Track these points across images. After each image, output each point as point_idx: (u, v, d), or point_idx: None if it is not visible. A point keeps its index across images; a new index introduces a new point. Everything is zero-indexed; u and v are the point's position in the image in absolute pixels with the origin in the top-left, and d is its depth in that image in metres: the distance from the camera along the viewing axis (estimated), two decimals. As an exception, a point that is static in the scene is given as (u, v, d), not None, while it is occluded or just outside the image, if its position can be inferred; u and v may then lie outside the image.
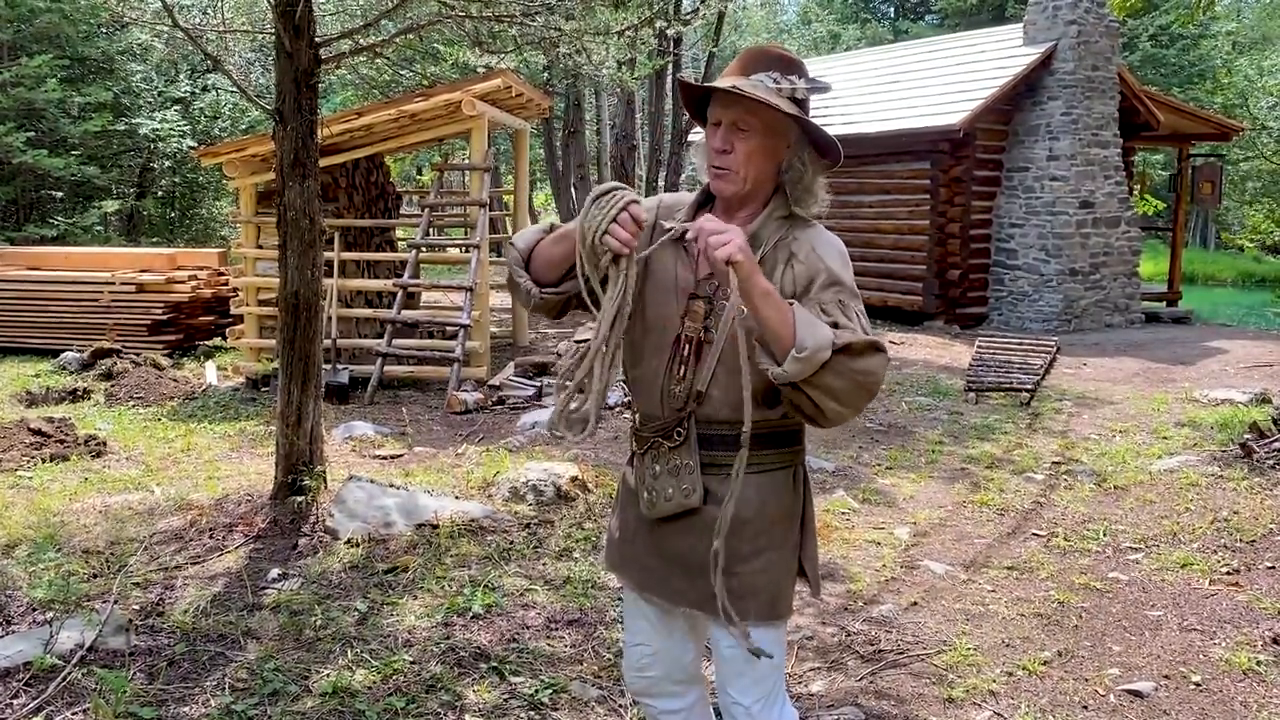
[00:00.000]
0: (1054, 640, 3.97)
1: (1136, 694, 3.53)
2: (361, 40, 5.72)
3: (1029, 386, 8.61)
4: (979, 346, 9.58)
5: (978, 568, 4.79)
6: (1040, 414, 8.23)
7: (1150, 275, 18.97)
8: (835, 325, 1.95)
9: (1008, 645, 3.92)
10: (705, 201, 2.18)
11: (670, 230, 2.07)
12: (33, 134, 14.73)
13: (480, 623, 3.93)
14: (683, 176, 17.48)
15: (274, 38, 4.97)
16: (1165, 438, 7.32)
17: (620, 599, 4.18)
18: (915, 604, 4.32)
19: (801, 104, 2.05)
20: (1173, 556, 4.88)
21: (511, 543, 4.79)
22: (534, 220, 21.18)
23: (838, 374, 1.89)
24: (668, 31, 9.93)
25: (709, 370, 2.05)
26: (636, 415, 2.23)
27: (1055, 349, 9.13)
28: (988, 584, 4.58)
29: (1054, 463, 6.68)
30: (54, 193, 15.84)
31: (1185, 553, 4.91)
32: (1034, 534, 5.27)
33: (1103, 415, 8.19)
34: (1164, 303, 16.32)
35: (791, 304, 1.93)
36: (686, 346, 2.08)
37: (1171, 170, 19.91)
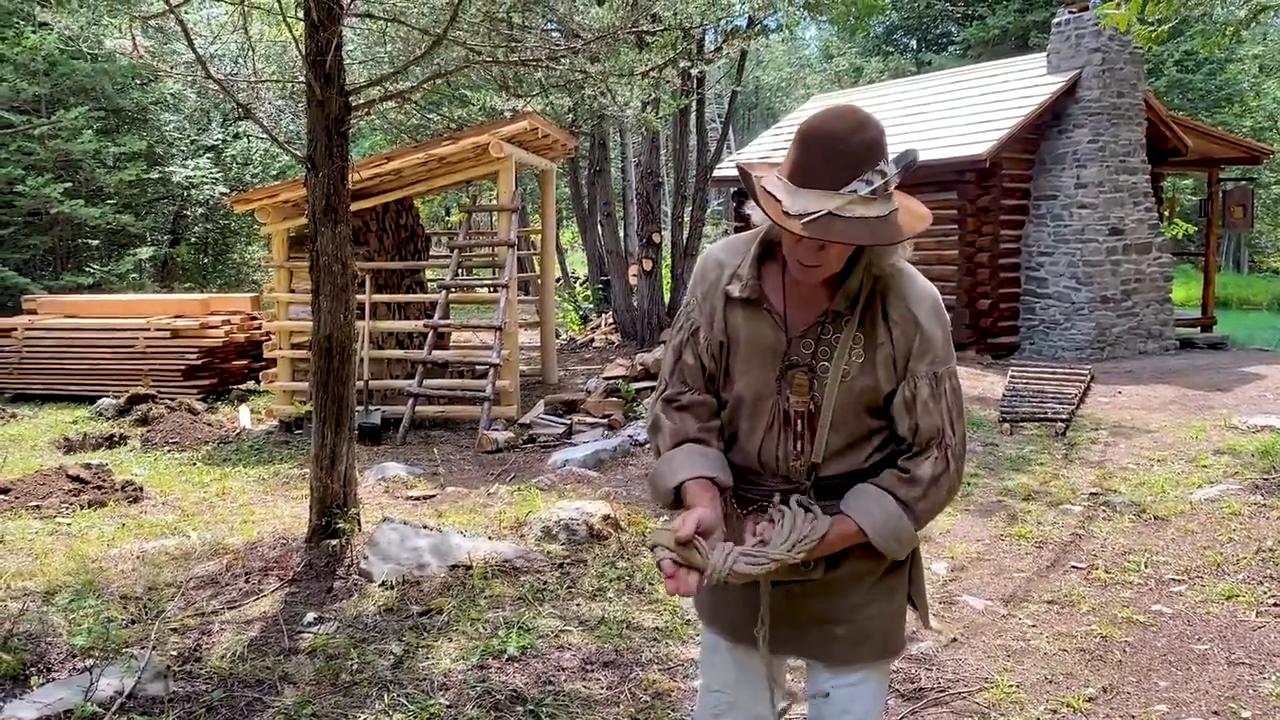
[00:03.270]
0: (1098, 676, 3.89)
1: (1185, 731, 3.45)
2: (391, 87, 5.81)
3: (1064, 416, 8.52)
4: (1012, 376, 9.50)
5: (1017, 602, 4.72)
6: (1076, 444, 8.13)
7: (1183, 301, 18.77)
8: (914, 404, 1.96)
9: (1051, 682, 3.85)
10: (763, 254, 2.06)
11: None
12: (70, 184, 15.02)
13: (515, 665, 3.91)
14: (708, 211, 17.55)
15: (304, 86, 5.06)
16: (1205, 466, 7.20)
17: (657, 640, 4.15)
18: (955, 640, 4.26)
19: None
20: (1217, 588, 4.79)
21: (545, 583, 4.78)
22: (561, 260, 21.25)
23: (926, 523, 2.02)
24: (691, 71, 10.02)
25: (823, 441, 1.99)
26: (732, 469, 2.14)
27: (1089, 377, 9.03)
28: (1028, 619, 4.51)
29: (1091, 493, 6.59)
30: (90, 241, 16.14)
31: (1230, 584, 4.82)
32: (1074, 567, 5.20)
33: (1140, 444, 8.08)
34: (1198, 328, 16.13)
35: (859, 527, 1.95)
36: (799, 422, 2.00)
37: (1202, 195, 19.76)
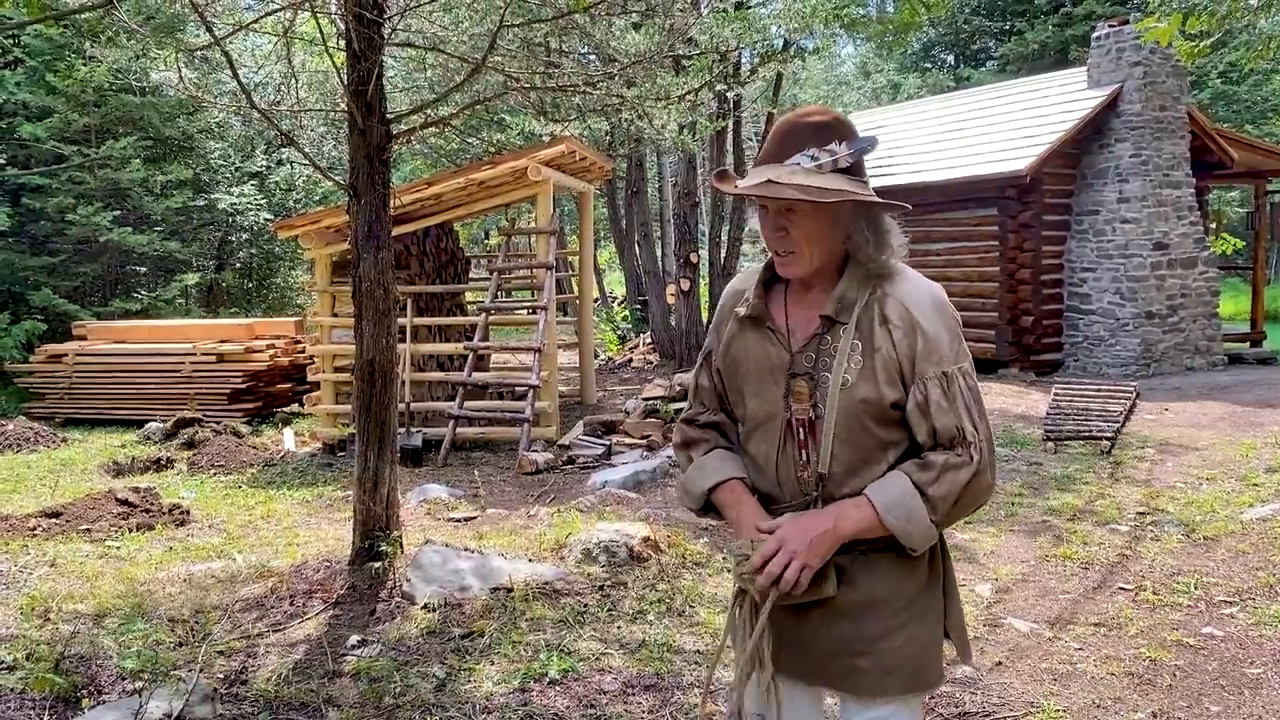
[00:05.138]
0: (1147, 701, 3.83)
1: (1238, 757, 3.38)
2: (431, 114, 5.88)
3: (1109, 434, 8.40)
4: (1056, 394, 9.38)
5: (1063, 624, 4.65)
6: (1122, 462, 8.01)
7: (1231, 315, 18.44)
8: (927, 408, 1.94)
9: (1098, 706, 3.79)
10: (772, 276, 2.12)
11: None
12: (118, 212, 15.33)
13: (557, 688, 3.92)
14: (745, 230, 17.55)
15: (346, 114, 5.14)
16: (1255, 485, 7.07)
17: (698, 663, 4.14)
18: (1000, 664, 4.20)
19: (850, 170, 1.97)
20: (1270, 610, 4.69)
21: (585, 605, 4.78)
22: (599, 279, 21.34)
23: (953, 516, 1.96)
24: (727, 94, 10.05)
25: (828, 450, 1.99)
26: (757, 494, 2.15)
27: (1135, 394, 8.88)
28: (1074, 642, 4.44)
29: (1139, 513, 6.49)
30: (138, 268, 16.43)
31: (1283, 606, 4.72)
32: (1121, 588, 5.12)
33: (1188, 462, 7.95)
34: (1247, 343, 15.85)
35: (873, 504, 1.93)
36: (801, 430, 2.01)
37: (1249, 208, 19.45)
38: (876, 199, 1.98)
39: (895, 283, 2.01)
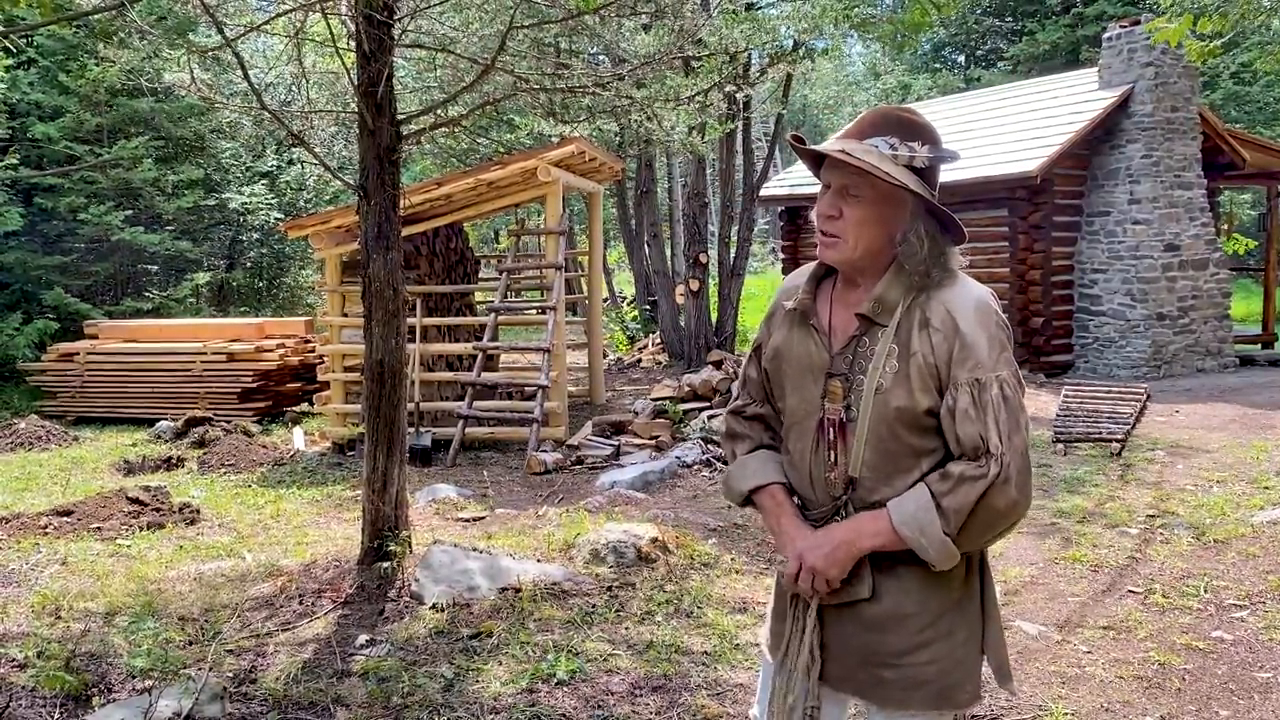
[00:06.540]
0: (1156, 705, 3.82)
1: (1248, 762, 3.37)
2: (441, 114, 5.89)
3: (1119, 436, 8.37)
4: (1066, 395, 9.35)
5: (1072, 628, 4.64)
6: (1132, 464, 7.99)
7: (1243, 317, 18.35)
8: (954, 415, 1.90)
9: (1107, 710, 3.78)
10: (824, 274, 2.12)
11: None
12: (130, 212, 15.39)
13: (564, 689, 3.92)
14: (754, 231, 17.51)
15: (356, 115, 5.16)
16: (1267, 487, 7.04)
17: (706, 664, 4.14)
18: (1008, 666, 4.19)
19: (923, 174, 1.95)
20: (1280, 614, 4.67)
21: (593, 606, 4.79)
22: (608, 280, 21.36)
23: (973, 532, 1.91)
24: (736, 95, 10.04)
25: (858, 454, 1.97)
26: (794, 496, 2.15)
27: (1145, 396, 8.85)
28: (1083, 645, 4.43)
29: (1149, 515, 6.47)
30: (149, 267, 16.49)
31: (1294, 610, 4.70)
32: (1130, 591, 5.10)
33: (1198, 465, 7.92)
34: (1259, 345, 15.77)
35: (889, 516, 1.92)
36: (831, 430, 2.00)
37: (1261, 209, 19.35)
38: (935, 202, 1.95)
39: (943, 287, 1.96)
